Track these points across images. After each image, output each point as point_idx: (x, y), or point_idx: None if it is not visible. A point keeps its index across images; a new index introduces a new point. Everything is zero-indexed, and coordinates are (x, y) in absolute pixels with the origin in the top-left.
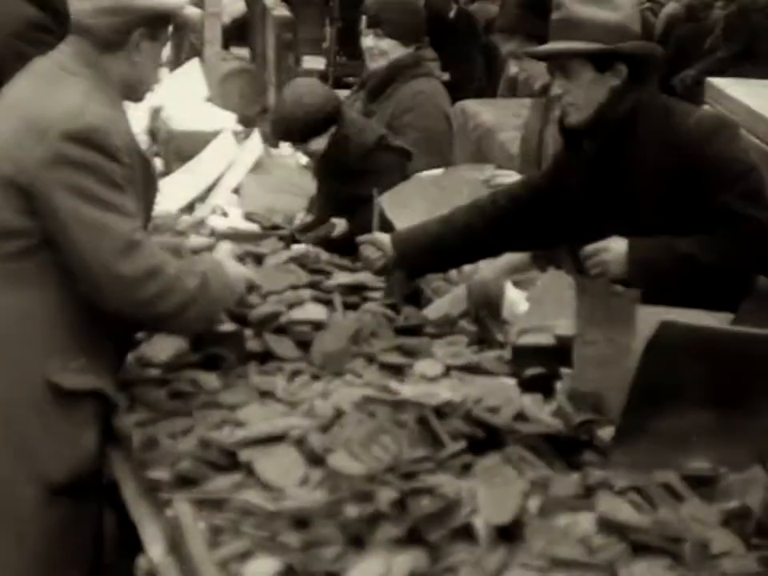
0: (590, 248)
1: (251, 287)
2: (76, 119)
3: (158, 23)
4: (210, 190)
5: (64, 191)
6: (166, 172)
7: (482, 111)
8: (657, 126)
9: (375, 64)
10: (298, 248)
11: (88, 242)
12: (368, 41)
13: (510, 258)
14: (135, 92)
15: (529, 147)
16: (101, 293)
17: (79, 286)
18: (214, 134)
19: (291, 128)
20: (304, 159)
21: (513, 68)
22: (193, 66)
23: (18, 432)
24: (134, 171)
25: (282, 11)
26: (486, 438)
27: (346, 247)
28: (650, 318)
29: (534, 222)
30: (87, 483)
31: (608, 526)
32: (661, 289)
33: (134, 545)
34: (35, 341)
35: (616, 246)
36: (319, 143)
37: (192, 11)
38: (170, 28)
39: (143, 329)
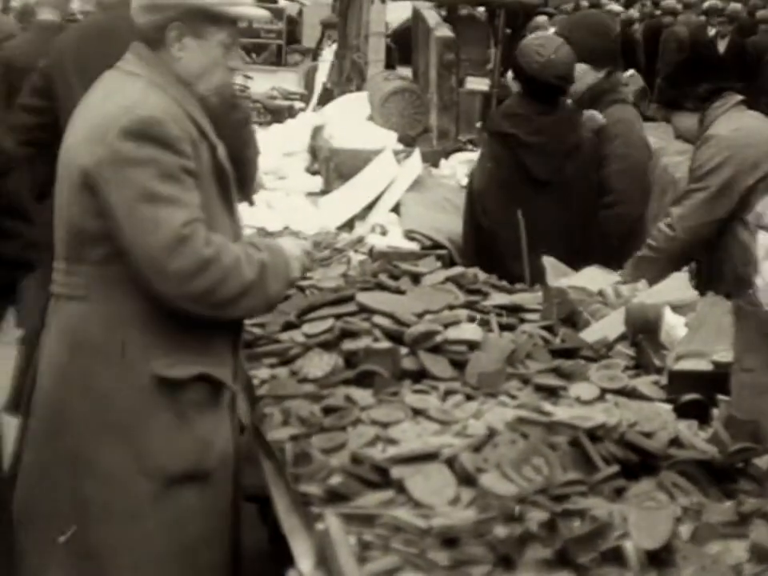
0: None
1: (306, 271)
2: (130, 113)
3: (194, 19)
4: (369, 208)
5: (119, 189)
6: (326, 190)
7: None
8: None
9: None
10: (455, 268)
11: (138, 239)
12: None
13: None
14: (194, 88)
15: None
16: (155, 288)
17: (139, 282)
18: (375, 153)
19: None
20: (464, 179)
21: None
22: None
23: (127, 430)
24: (199, 161)
25: (445, 31)
26: (640, 462)
27: None
28: None
29: None
30: (209, 470)
31: (760, 554)
32: None
33: (284, 558)
34: (135, 340)
35: None
36: None
37: (245, 10)
38: (226, 27)
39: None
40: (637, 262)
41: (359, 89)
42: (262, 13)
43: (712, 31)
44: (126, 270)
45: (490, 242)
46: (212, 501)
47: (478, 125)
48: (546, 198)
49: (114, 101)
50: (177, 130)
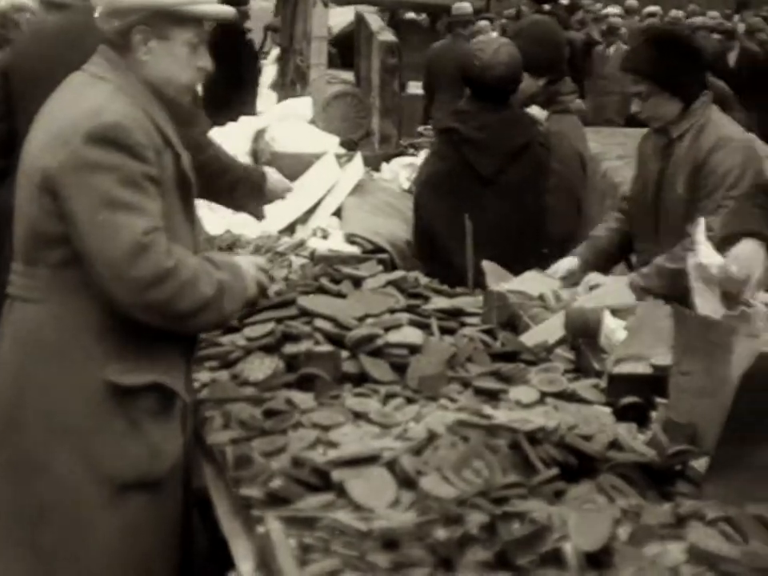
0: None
1: (263, 291)
2: (95, 118)
3: (158, 21)
4: (311, 212)
5: (80, 194)
6: None
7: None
8: None
9: None
10: (396, 272)
11: (99, 244)
12: None
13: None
14: (164, 91)
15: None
16: (110, 295)
17: (96, 288)
18: (317, 157)
19: None
20: (406, 183)
21: (634, 107)
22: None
23: (79, 435)
24: (162, 169)
25: (388, 36)
26: (579, 465)
27: None
28: (746, 349)
29: None
30: (161, 478)
31: (698, 555)
32: None
33: (224, 561)
34: (90, 346)
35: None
36: None
37: (210, 8)
38: (192, 27)
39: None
40: None
41: (302, 91)
42: (227, 10)
43: None
44: (83, 274)
45: (429, 239)
46: (163, 508)
47: (420, 129)
48: (489, 197)
49: (80, 104)
50: (141, 137)
